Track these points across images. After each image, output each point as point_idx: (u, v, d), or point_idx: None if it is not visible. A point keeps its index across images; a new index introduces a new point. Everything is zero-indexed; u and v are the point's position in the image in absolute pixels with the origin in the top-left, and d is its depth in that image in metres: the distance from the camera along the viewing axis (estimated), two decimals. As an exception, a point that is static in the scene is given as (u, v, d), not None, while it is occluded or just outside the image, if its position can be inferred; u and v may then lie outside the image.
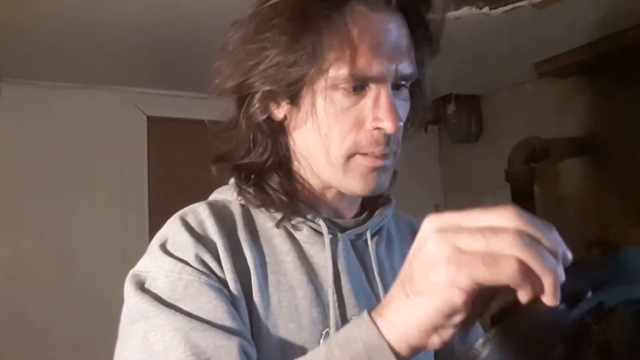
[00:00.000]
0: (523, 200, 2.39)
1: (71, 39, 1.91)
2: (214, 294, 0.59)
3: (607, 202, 2.35)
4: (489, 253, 0.37)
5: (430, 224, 0.41)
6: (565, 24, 1.99)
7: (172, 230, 0.65)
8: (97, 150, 2.46)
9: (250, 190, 0.67)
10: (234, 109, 0.68)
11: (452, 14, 1.80)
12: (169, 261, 0.62)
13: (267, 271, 0.65)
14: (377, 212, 0.74)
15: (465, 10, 1.83)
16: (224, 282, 0.62)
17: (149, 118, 2.58)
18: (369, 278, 0.70)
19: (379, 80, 0.61)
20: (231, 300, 0.61)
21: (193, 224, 0.65)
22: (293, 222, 0.68)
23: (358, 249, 0.71)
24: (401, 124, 0.62)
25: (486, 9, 1.81)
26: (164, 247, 0.63)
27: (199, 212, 0.67)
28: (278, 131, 0.67)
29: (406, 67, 0.62)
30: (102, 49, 2.02)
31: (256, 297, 0.63)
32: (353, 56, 0.59)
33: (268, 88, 0.62)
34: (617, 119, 2.31)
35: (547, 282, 0.36)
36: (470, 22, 1.90)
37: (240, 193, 0.69)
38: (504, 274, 0.36)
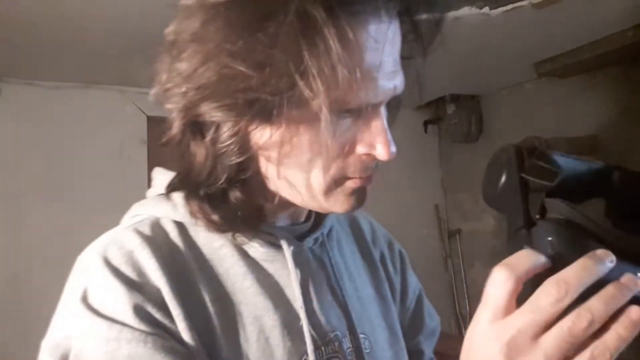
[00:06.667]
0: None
1: (71, 39, 1.91)
2: (167, 359, 0.48)
3: (607, 202, 2.35)
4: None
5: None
6: (565, 24, 1.99)
7: (91, 275, 0.52)
8: (97, 150, 2.46)
9: (214, 215, 0.55)
10: (181, 129, 0.54)
11: (452, 14, 1.80)
12: (99, 323, 0.49)
13: (225, 304, 0.55)
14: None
15: (465, 10, 1.83)
16: (175, 334, 0.50)
17: (149, 118, 2.58)
18: (330, 284, 0.64)
19: (375, 103, 0.51)
20: (188, 353, 0.50)
21: (118, 261, 0.52)
22: (245, 236, 0.58)
23: (316, 254, 0.64)
24: (394, 149, 0.52)
25: (486, 9, 1.81)
26: (86, 302, 0.50)
27: (125, 243, 0.54)
28: (243, 152, 0.53)
29: (401, 84, 0.53)
30: (103, 49, 2.02)
31: (219, 339, 0.53)
32: (350, 77, 0.47)
33: (232, 116, 0.49)
34: (617, 119, 2.31)
35: None
36: (470, 22, 1.90)
37: (194, 216, 0.56)
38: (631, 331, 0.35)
